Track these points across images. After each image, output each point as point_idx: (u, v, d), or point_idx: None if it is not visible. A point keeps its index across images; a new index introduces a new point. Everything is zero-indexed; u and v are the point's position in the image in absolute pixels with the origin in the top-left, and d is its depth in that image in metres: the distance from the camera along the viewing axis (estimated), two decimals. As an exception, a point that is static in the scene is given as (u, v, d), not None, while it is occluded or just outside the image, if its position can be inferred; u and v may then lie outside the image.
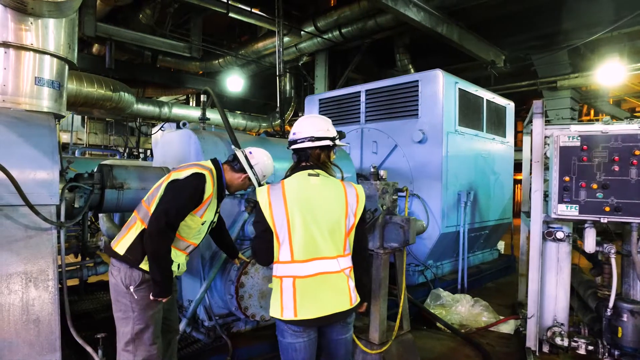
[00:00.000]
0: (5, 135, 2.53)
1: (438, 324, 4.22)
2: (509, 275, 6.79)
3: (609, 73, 8.63)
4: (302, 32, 8.88)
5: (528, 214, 4.72)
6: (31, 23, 2.85)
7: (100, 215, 4.25)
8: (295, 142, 2.11)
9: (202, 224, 2.38)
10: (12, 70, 2.86)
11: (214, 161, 2.50)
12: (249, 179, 2.50)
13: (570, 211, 3.13)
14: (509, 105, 6.52)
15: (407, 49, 9.70)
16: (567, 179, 3.12)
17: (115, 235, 4.33)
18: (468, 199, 5.17)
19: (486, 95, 5.88)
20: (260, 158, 2.55)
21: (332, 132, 2.15)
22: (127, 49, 10.06)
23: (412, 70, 9.76)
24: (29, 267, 2.43)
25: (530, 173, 5.22)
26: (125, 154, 12.15)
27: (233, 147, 2.72)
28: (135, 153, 12.58)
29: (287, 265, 1.94)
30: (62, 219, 2.66)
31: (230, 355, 2.97)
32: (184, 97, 15.65)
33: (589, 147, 3.06)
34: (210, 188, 2.31)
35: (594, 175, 3.05)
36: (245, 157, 2.50)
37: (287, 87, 11.85)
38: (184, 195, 2.23)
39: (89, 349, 2.36)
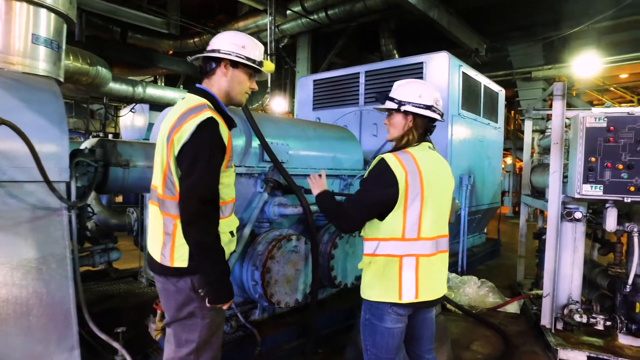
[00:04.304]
0: (4, 99, 2.16)
1: (448, 306, 4.21)
2: (496, 258, 6.99)
3: (584, 65, 9.01)
4: (287, 12, 8.54)
5: (530, 196, 4.82)
6: (26, -31, 2.45)
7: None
8: (430, 108, 1.89)
9: (235, 171, 1.96)
10: (2, 23, 2.45)
11: (195, 90, 1.86)
12: (246, 67, 1.85)
13: (594, 191, 3.16)
14: (501, 92, 6.63)
15: (393, 34, 9.63)
16: (592, 159, 3.15)
17: (106, 219, 3.99)
18: (469, 182, 5.20)
19: (483, 80, 5.92)
20: (236, 39, 1.85)
21: None
22: (93, 23, 9.26)
23: (396, 56, 9.72)
24: (40, 253, 2.10)
25: (532, 155, 5.32)
26: (90, 138, 11.26)
27: (195, 57, 1.93)
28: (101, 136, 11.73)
29: (412, 242, 1.80)
30: (73, 198, 2.33)
31: (260, 345, 2.77)
32: (152, 78, 14.78)
33: (615, 128, 3.09)
34: (223, 126, 1.74)
35: (619, 155, 3.09)
36: (217, 50, 1.83)
37: (266, 70, 11.48)
38: (204, 157, 1.65)
39: (117, 345, 2.08)
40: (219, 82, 1.86)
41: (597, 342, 3.32)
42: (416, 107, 1.88)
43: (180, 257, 1.74)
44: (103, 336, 2.11)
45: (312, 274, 3.12)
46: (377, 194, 1.80)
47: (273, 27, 6.65)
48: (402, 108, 1.90)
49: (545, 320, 3.60)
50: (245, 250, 3.05)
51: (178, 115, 1.73)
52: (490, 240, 7.28)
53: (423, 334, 2.00)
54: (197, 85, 1.88)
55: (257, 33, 9.67)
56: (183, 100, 1.85)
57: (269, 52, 6.45)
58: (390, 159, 1.82)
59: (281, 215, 3.19)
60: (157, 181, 1.82)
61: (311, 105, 6.40)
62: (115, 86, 8.41)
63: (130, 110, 10.77)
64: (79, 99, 13.58)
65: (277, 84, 11.43)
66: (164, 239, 1.77)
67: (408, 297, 1.79)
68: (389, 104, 1.95)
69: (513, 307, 4.37)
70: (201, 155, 1.65)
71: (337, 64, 11.31)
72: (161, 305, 1.88)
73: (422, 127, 1.92)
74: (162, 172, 1.78)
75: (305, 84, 6.54)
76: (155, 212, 1.83)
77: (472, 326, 3.92)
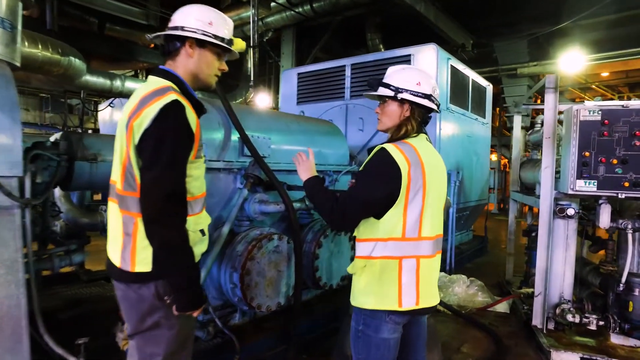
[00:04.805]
0: (-57, 84, 1.91)
1: (438, 307, 4.08)
2: (483, 255, 6.92)
3: (571, 61, 9.03)
4: (272, 4, 8.30)
5: (519, 193, 4.72)
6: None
7: (56, 195, 3.60)
8: (429, 97, 1.72)
9: (205, 162, 1.74)
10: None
11: (157, 72, 1.63)
12: (214, 46, 1.65)
13: (588, 187, 3.05)
14: (489, 87, 6.54)
15: (379, 28, 9.48)
16: (586, 154, 3.04)
17: (75, 218, 3.71)
18: (457, 178, 5.08)
19: (471, 74, 5.81)
20: (201, 15, 1.63)
21: None
22: (68, 14, 8.82)
23: (382, 51, 9.56)
24: (-14, 257, 1.87)
25: (525, 151, 5.23)
26: (66, 133, 10.79)
27: (156, 35, 1.68)
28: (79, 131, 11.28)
29: (413, 243, 1.62)
30: (27, 195, 2.09)
31: (239, 352, 2.57)
32: (132, 72, 14.31)
33: (610, 121, 2.99)
34: (191, 111, 1.54)
35: (613, 150, 2.99)
36: (180, 28, 1.59)
37: (250, 64, 11.20)
38: (169, 145, 1.45)
39: None
40: (184, 63, 1.65)
41: (590, 343, 3.22)
42: (415, 95, 1.69)
43: (142, 260, 1.53)
44: (59, 350, 1.88)
45: (295, 275, 2.94)
46: (379, 189, 1.60)
47: (256, 20, 6.42)
48: (399, 96, 1.70)
49: (537, 320, 3.49)
50: (224, 250, 2.84)
51: (139, 99, 1.53)
52: (477, 237, 7.21)
53: (418, 341, 1.84)
54: (160, 66, 1.67)
55: (240, 26, 9.39)
56: (145, 83, 1.64)
57: (252, 45, 6.22)
58: (392, 148, 1.63)
59: (262, 213, 2.99)
60: (116, 175, 1.61)
61: (295, 100, 6.19)
62: (92, 79, 8.00)
63: (109, 105, 10.35)
64: (55, 92, 13.02)
65: (261, 79, 11.14)
66: (124, 240, 1.56)
67: (408, 304, 1.61)
68: (384, 91, 1.74)
69: (503, 307, 4.26)
70: (165, 143, 1.45)
71: (322, 58, 11.10)
72: (123, 315, 1.67)
73: (420, 117, 1.74)
74: (121, 164, 1.57)
75: (289, 78, 6.33)
76: (114, 210, 1.62)
77: (462, 327, 3.80)
